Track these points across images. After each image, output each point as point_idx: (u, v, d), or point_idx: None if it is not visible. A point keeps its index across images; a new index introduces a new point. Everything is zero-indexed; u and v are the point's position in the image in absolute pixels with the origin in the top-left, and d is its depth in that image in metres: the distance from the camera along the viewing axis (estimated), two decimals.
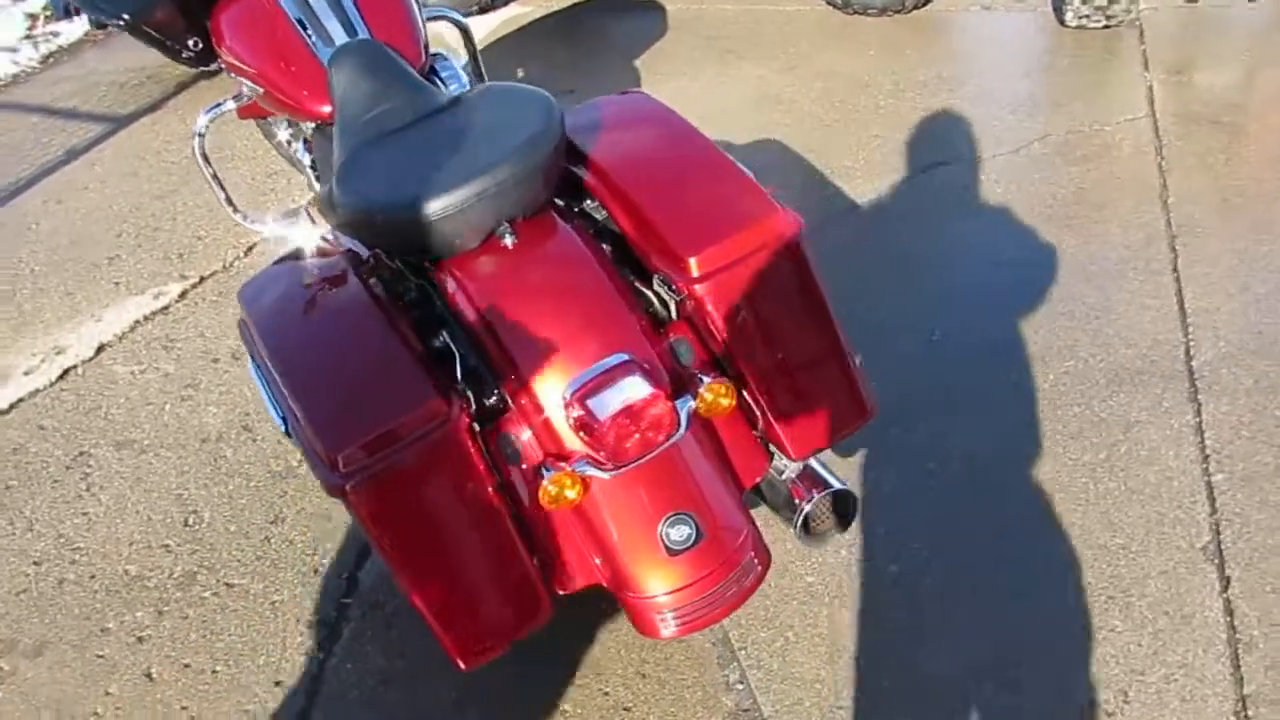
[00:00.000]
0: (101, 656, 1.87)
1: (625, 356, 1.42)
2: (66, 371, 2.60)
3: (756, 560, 1.51)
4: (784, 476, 1.62)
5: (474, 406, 1.45)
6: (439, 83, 2.20)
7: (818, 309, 1.54)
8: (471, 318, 1.49)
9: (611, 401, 1.35)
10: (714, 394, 1.44)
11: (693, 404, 1.43)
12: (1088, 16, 3.70)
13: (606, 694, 1.73)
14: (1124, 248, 2.61)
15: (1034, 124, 3.20)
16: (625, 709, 1.71)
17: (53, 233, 3.25)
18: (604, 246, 1.61)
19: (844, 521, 1.63)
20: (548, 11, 4.52)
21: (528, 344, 1.44)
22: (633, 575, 1.46)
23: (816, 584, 1.86)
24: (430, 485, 1.38)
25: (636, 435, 1.36)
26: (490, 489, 1.41)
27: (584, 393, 1.38)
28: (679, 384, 1.46)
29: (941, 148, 3.13)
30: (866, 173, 3.06)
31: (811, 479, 1.61)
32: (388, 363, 1.43)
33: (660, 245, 1.51)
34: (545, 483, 1.37)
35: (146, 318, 2.77)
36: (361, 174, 1.55)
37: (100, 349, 2.67)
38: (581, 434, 1.37)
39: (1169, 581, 1.80)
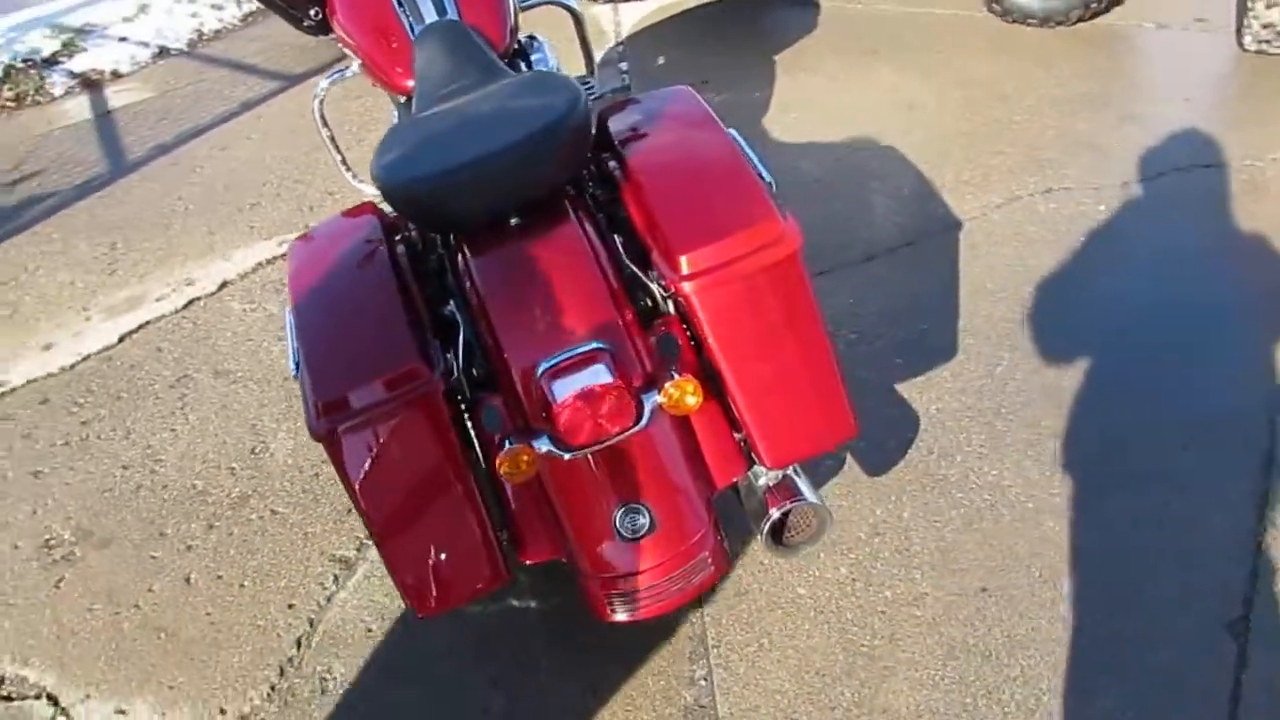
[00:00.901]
0: (154, 557, 2.09)
1: (599, 344, 1.47)
2: (191, 302, 2.88)
3: (710, 560, 1.53)
4: (761, 482, 1.62)
5: (457, 375, 1.53)
6: (523, 67, 2.29)
7: (807, 320, 1.53)
8: (469, 292, 1.57)
9: (571, 385, 1.40)
10: (680, 390, 1.46)
11: (658, 399, 1.46)
12: (1268, 41, 3.39)
13: (579, 664, 1.79)
14: (1241, 297, 2.41)
15: (1178, 154, 2.98)
16: (593, 691, 1.76)
17: (212, 176, 3.58)
18: (616, 237, 1.66)
19: (815, 536, 1.62)
20: (704, 1, 4.55)
21: (514, 323, 1.51)
22: (585, 555, 1.51)
23: (805, 596, 1.85)
24: (403, 443, 1.47)
25: (591, 421, 1.41)
26: (460, 454, 1.49)
27: (551, 374, 1.44)
28: (651, 378, 1.49)
29: (1066, 171, 2.97)
30: (980, 189, 2.95)
31: (788, 489, 1.61)
32: (386, 324, 1.53)
33: (659, 240, 1.54)
34: (502, 453, 1.44)
35: (268, 261, 3.02)
36: (388, 149, 1.66)
37: (223, 285, 2.94)
38: (542, 413, 1.44)
39: (1180, 653, 1.68)
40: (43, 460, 2.38)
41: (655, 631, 1.83)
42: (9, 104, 4.40)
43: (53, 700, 1.82)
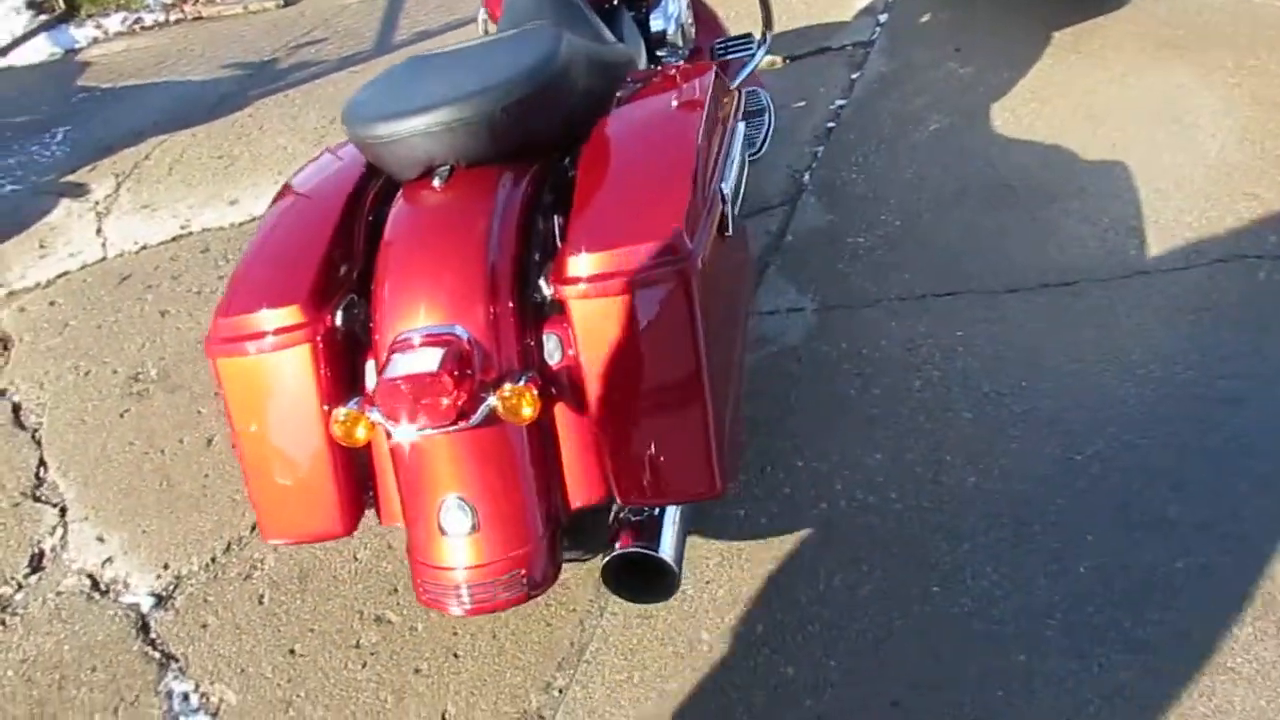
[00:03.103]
0: (199, 413, 2.32)
1: (458, 329, 1.40)
2: None
3: (525, 579, 1.43)
4: (622, 514, 1.49)
5: (341, 324, 1.52)
6: (626, 16, 2.16)
7: (684, 357, 1.36)
8: (379, 243, 1.55)
9: (403, 364, 1.36)
10: (516, 398, 1.35)
11: (493, 402, 1.37)
12: None
13: (454, 631, 1.77)
14: None
15: None
16: (455, 655, 1.74)
17: None
18: (558, 219, 1.55)
19: (661, 594, 1.48)
20: None
21: (392, 283, 1.47)
22: (408, 534, 1.48)
23: (704, 642, 1.68)
24: (273, 380, 1.50)
25: (407, 406, 1.35)
26: (323, 403, 1.49)
27: (399, 346, 1.40)
28: (504, 377, 1.40)
29: None
30: (1201, 236, 2.39)
31: (647, 532, 1.46)
32: (300, 259, 1.56)
33: (566, 233, 1.43)
34: (337, 413, 1.42)
35: None
36: (367, 86, 1.66)
37: None
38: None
39: None
40: (175, 303, 2.71)
41: (544, 624, 1.77)
42: None
43: (63, 512, 2.11)
